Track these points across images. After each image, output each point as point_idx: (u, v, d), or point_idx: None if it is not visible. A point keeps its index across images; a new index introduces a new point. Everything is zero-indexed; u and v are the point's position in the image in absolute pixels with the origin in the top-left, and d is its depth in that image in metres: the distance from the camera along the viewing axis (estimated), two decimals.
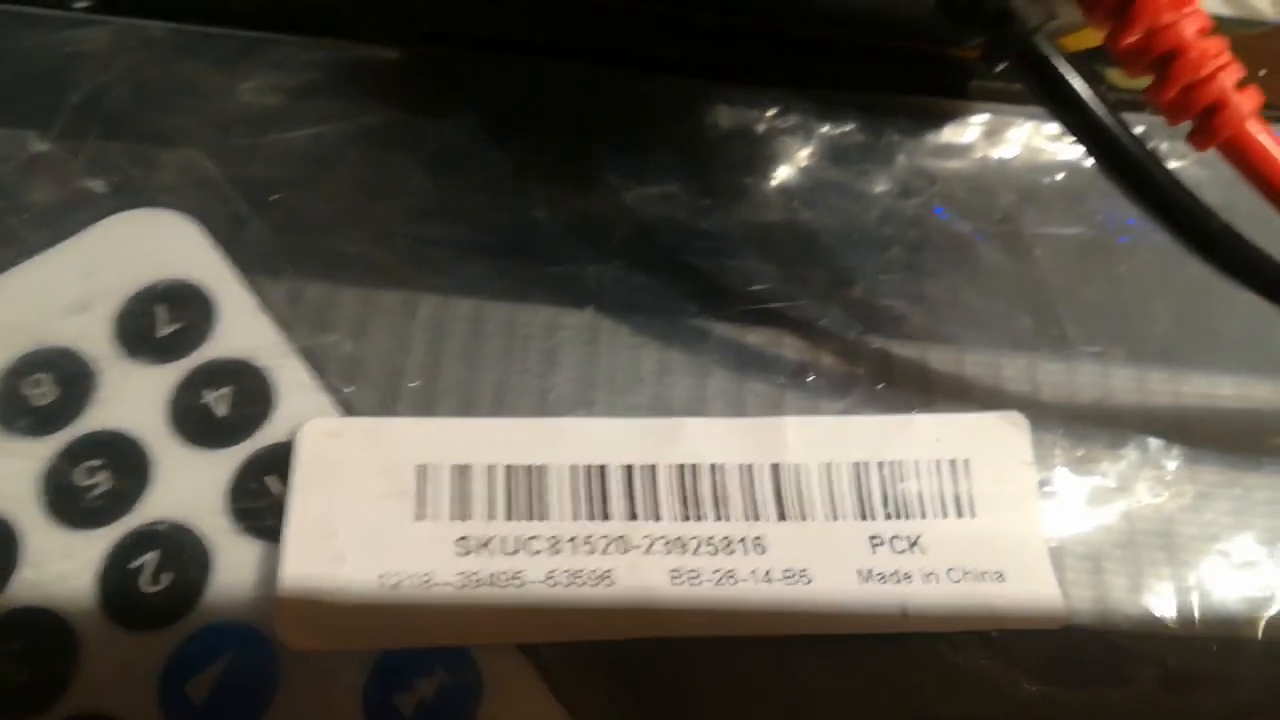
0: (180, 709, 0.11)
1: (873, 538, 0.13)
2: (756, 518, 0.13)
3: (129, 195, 0.15)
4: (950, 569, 0.13)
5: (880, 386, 0.15)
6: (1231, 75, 0.11)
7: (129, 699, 0.11)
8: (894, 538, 0.13)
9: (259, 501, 0.12)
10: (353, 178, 0.16)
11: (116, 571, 0.12)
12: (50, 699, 0.11)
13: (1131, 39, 0.11)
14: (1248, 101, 0.11)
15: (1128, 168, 0.11)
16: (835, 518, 0.13)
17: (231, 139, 0.16)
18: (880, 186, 0.17)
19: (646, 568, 0.13)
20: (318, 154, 0.16)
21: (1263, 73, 0.19)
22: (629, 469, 0.13)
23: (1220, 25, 0.20)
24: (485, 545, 0.12)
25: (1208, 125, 0.11)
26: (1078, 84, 0.11)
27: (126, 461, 0.13)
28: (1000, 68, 0.11)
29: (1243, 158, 0.11)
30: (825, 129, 0.17)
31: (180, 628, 0.12)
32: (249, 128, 0.16)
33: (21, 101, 0.16)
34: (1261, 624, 0.14)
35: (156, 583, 0.12)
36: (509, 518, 0.13)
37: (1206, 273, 0.16)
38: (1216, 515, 0.14)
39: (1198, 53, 0.11)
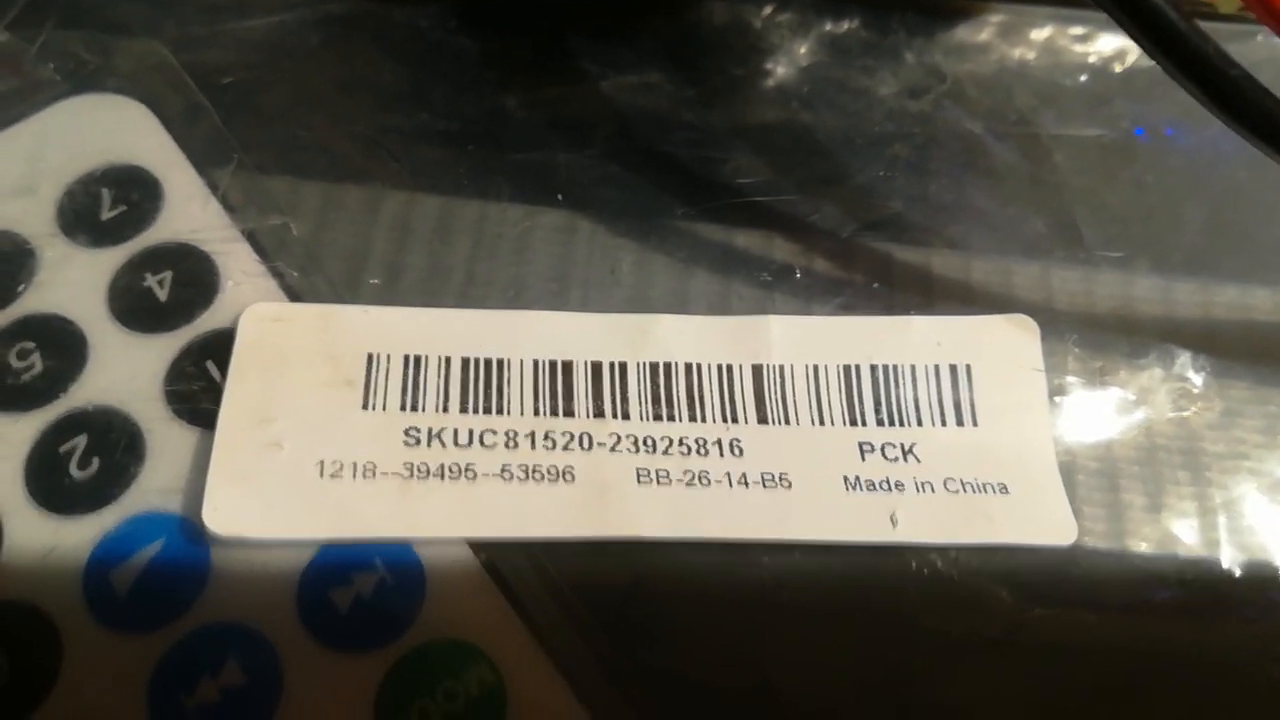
0: (104, 597, 0.11)
1: (862, 444, 0.13)
2: (734, 420, 0.13)
3: (82, 82, 0.15)
4: (948, 479, 0.13)
5: (875, 286, 0.14)
6: None
7: (51, 587, 0.11)
8: (885, 445, 0.13)
9: (196, 386, 0.12)
10: (314, 66, 0.16)
11: (45, 455, 0.12)
12: None
13: None
14: None
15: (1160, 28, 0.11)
16: (821, 423, 0.13)
17: (189, 27, 0.16)
18: (885, 86, 0.16)
19: (610, 466, 0.12)
20: (279, 41, 0.16)
21: None
22: (596, 365, 0.13)
23: None
24: (436, 436, 0.12)
25: None
26: None
27: (61, 344, 0.13)
28: None
29: None
30: (827, 25, 0.17)
31: (108, 514, 0.12)
32: (208, 15, 0.16)
33: None
34: None
35: (86, 467, 0.12)
36: (463, 410, 0.12)
37: (1241, 179, 0.15)
38: (1246, 433, 0.14)
39: None
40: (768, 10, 0.17)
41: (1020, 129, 0.16)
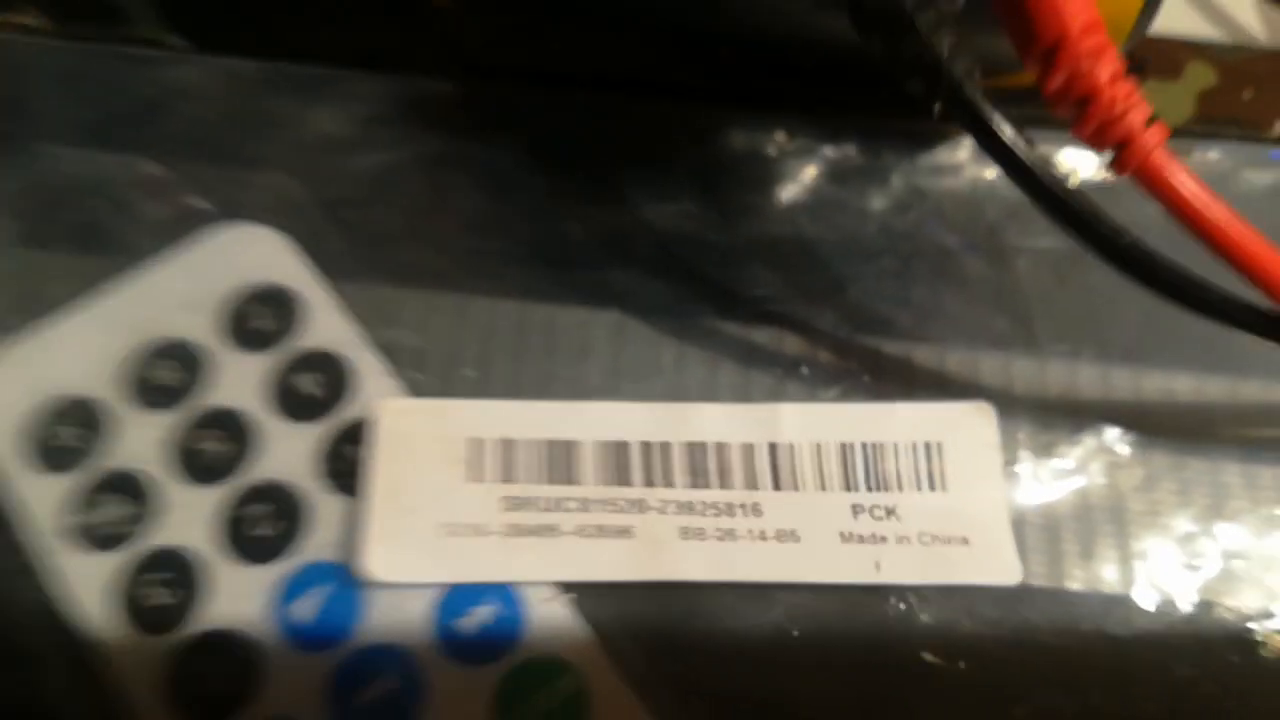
0: (291, 625, 0.16)
1: (854, 506, 0.17)
2: (755, 487, 0.17)
3: (226, 210, 0.20)
4: (921, 533, 0.17)
5: (867, 379, 0.19)
6: (1139, 114, 0.15)
7: (249, 618, 0.16)
8: (873, 507, 0.17)
9: (344, 465, 0.17)
10: (414, 197, 0.20)
11: (231, 519, 0.16)
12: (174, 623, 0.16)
13: (1056, 84, 0.15)
14: (1154, 137, 0.15)
15: (1046, 196, 0.15)
16: (823, 489, 0.17)
17: (310, 163, 0.20)
18: (877, 203, 0.21)
19: (660, 525, 0.17)
20: (384, 176, 0.20)
21: (1248, 95, 0.23)
22: (646, 445, 0.17)
23: (1211, 50, 0.24)
24: (527, 503, 0.17)
25: (1121, 157, 0.15)
26: (1001, 125, 0.15)
27: (237, 432, 0.17)
28: (937, 110, 0.15)
29: (1150, 184, 0.15)
30: (828, 151, 0.21)
31: (286, 564, 0.16)
32: (325, 153, 0.20)
33: (129, 131, 0.21)
34: (1197, 590, 0.17)
35: (266, 528, 0.16)
36: (547, 482, 0.17)
37: None
38: (1162, 494, 0.18)
39: (1109, 96, 0.15)
40: (780, 138, 0.21)
41: (989, 240, 0.20)
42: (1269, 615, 0.17)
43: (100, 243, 0.20)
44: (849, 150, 0.21)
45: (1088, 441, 0.19)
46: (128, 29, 0.22)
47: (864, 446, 0.18)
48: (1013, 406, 0.19)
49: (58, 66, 0.22)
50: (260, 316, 0.18)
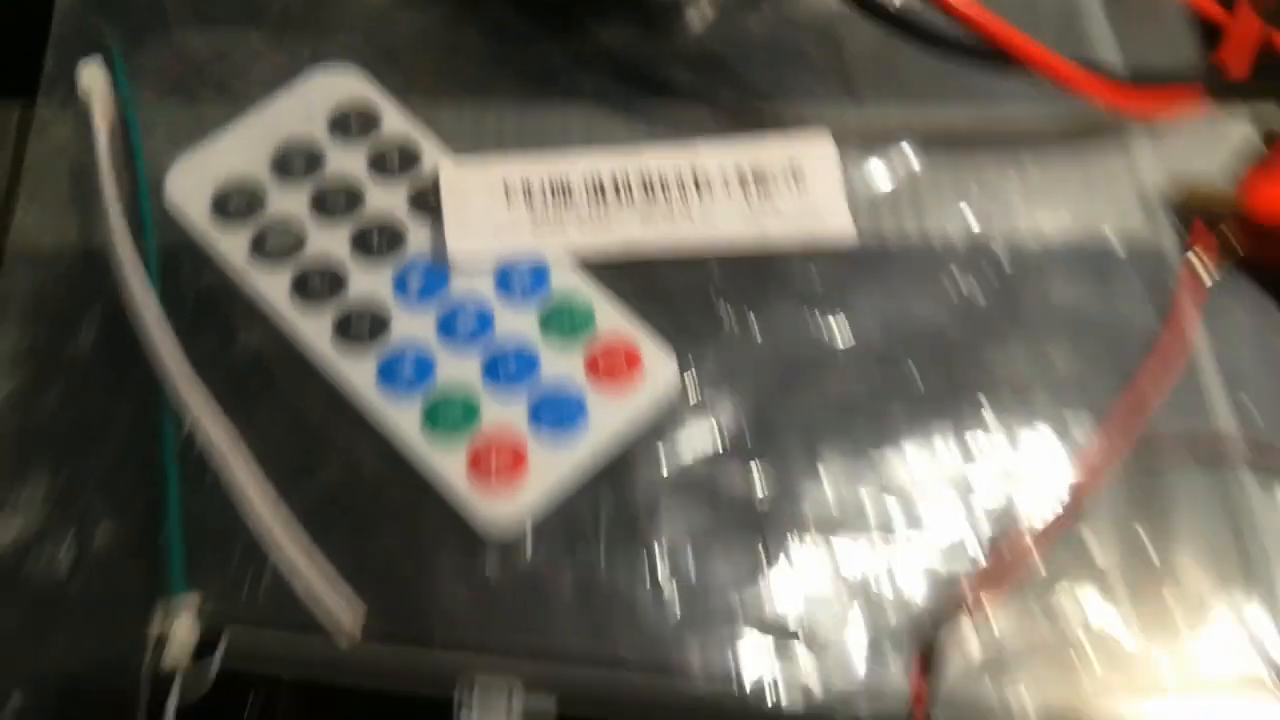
0: (403, 293, 0.25)
1: (746, 197, 0.27)
2: (684, 193, 0.27)
3: (314, 60, 0.29)
4: (792, 210, 0.27)
5: (752, 122, 0.28)
6: None
7: (380, 295, 0.25)
8: (759, 196, 0.27)
9: (425, 203, 0.26)
10: (440, 42, 0.29)
11: (356, 239, 0.26)
12: None
13: None
14: None
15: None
16: (729, 196, 0.27)
17: (366, 23, 0.29)
18: (754, 23, 0.30)
19: (624, 213, 0.26)
20: (419, 30, 0.29)
21: None
22: (613, 174, 0.27)
23: None
24: (542, 214, 0.26)
25: None
26: None
27: (352, 193, 0.27)
28: None
29: None
30: None
31: (398, 261, 0.26)
32: (375, 17, 0.29)
33: (235, 13, 0.30)
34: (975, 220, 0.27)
35: (381, 242, 0.26)
36: (552, 204, 0.26)
37: None
38: (944, 176, 0.28)
39: None
40: None
41: (825, 27, 0.30)
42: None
43: (229, 93, 0.29)
44: None
45: (894, 156, 0.29)
46: None
47: (751, 165, 0.28)
48: (843, 134, 0.29)
49: None
50: (352, 122, 0.28)
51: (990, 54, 0.28)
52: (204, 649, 0.20)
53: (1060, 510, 0.25)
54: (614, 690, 0.21)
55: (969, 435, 0.26)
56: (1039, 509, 0.25)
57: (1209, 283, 0.28)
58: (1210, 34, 0.31)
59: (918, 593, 0.24)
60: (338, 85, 0.29)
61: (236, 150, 0.28)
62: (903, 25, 0.28)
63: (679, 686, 0.22)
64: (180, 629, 0.19)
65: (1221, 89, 0.30)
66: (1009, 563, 0.25)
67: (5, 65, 0.29)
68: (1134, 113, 0.30)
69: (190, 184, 0.27)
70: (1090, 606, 0.24)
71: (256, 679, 0.18)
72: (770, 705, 0.22)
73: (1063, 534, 0.25)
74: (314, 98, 0.28)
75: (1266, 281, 0.28)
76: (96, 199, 0.26)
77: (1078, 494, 0.26)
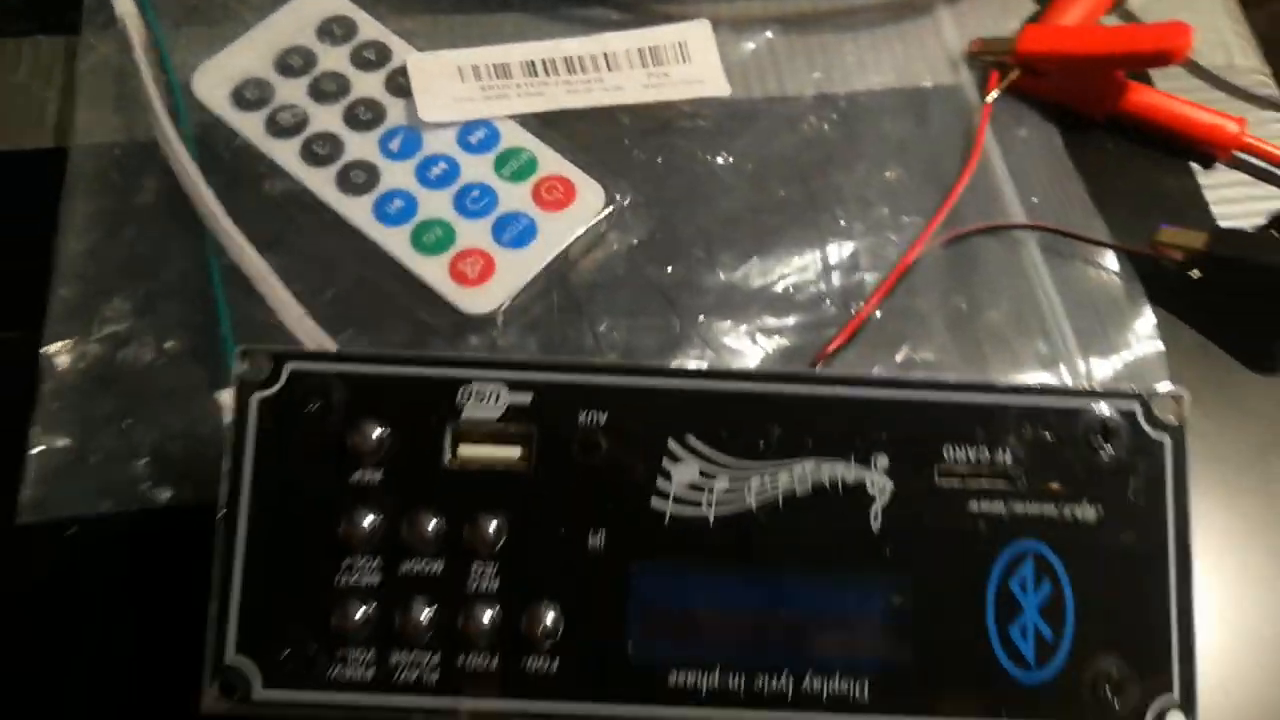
0: (388, 150, 0.32)
1: (648, 76, 0.35)
2: (598, 71, 0.34)
3: None
4: (678, 79, 0.35)
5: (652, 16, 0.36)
6: None
7: (368, 154, 0.32)
8: (657, 74, 0.35)
9: (399, 87, 0.34)
10: None
11: (346, 117, 0.33)
12: None
13: None
14: None
15: None
16: (632, 68, 0.35)
17: None
18: None
19: (556, 88, 0.34)
20: None
21: None
22: (547, 58, 0.34)
23: None
24: (493, 87, 0.34)
25: None
26: None
27: (341, 83, 0.34)
28: None
29: None
30: None
31: (382, 129, 0.33)
32: None
33: None
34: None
35: (367, 113, 0.33)
36: (499, 79, 0.34)
37: None
38: (779, 56, 0.36)
39: None
40: None
41: None
42: None
43: (233, 14, 0.36)
44: None
45: (758, 36, 0.37)
46: None
47: (649, 44, 0.35)
48: (718, 22, 0.37)
49: None
50: (336, 29, 0.35)
51: None
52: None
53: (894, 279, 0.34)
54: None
55: (827, 236, 0.35)
56: (880, 280, 0.34)
57: (997, 111, 0.37)
58: None
59: (781, 348, 0.33)
60: (321, 3, 0.37)
61: (246, 55, 0.35)
62: None
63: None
64: (248, 367, 0.26)
65: None
66: (856, 319, 0.33)
67: (51, 7, 0.36)
68: None
69: (213, 82, 0.35)
70: (915, 344, 0.33)
71: (314, 386, 0.26)
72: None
73: (896, 295, 0.34)
74: (304, 12, 0.36)
75: (1038, 106, 0.38)
76: (142, 97, 0.33)
77: (908, 267, 0.34)
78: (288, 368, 0.27)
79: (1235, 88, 0.40)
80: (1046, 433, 0.27)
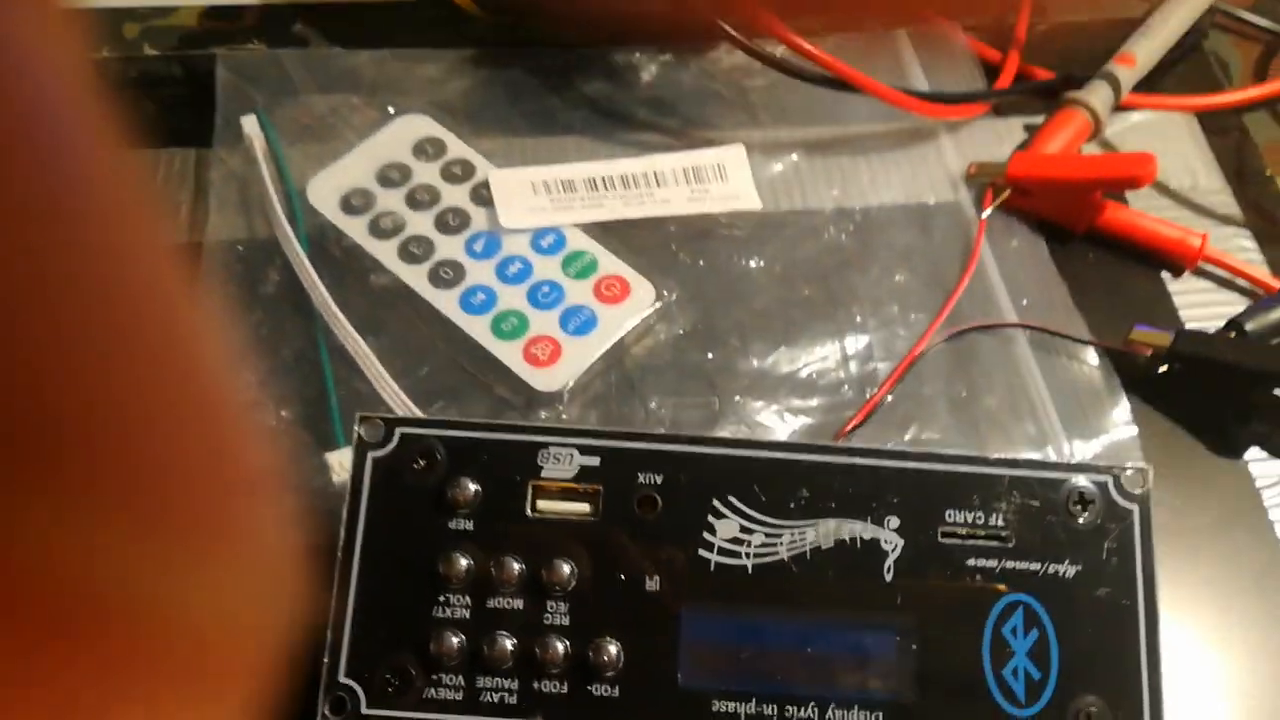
0: (472, 250, 0.38)
1: (691, 192, 0.40)
2: (649, 189, 0.40)
3: (398, 112, 0.42)
4: (716, 195, 0.40)
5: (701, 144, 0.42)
6: None
7: (458, 257, 0.38)
8: (699, 188, 0.40)
9: (482, 198, 0.39)
10: (482, 98, 0.43)
11: (440, 220, 0.39)
12: None
13: None
14: None
15: None
16: (677, 185, 0.40)
17: (429, 90, 0.43)
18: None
19: (613, 199, 0.39)
20: (465, 93, 0.43)
21: None
22: (602, 176, 0.40)
23: None
24: (561, 199, 0.39)
25: None
26: None
27: (432, 195, 0.41)
28: None
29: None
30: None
31: (468, 233, 0.38)
32: (432, 83, 0.43)
33: (342, 85, 0.43)
34: None
35: (456, 221, 0.38)
36: (564, 192, 0.39)
37: None
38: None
39: None
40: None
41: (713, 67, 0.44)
42: None
43: (340, 135, 0.42)
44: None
45: (784, 158, 0.42)
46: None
47: (691, 166, 0.41)
48: (750, 146, 0.42)
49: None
50: (428, 148, 0.41)
51: (844, 86, 0.42)
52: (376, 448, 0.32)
53: (904, 368, 0.39)
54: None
55: (845, 330, 0.40)
56: (891, 369, 0.39)
57: (992, 224, 0.42)
58: (989, 70, 0.46)
59: (806, 425, 0.38)
60: (415, 126, 0.43)
61: (353, 169, 0.42)
62: (785, 69, 0.42)
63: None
64: (367, 431, 0.31)
65: None
66: (871, 401, 0.38)
67: (185, 124, 0.43)
68: (939, 118, 0.45)
69: (324, 191, 0.41)
70: (922, 424, 0.38)
71: (420, 448, 0.30)
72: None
73: (905, 382, 0.38)
74: (401, 133, 0.43)
75: (1027, 220, 0.43)
76: (264, 202, 0.39)
77: (915, 358, 0.39)
78: (398, 432, 0.32)
79: (1200, 206, 0.46)
80: (1032, 500, 0.32)
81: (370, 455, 0.32)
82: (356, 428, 0.32)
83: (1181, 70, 0.50)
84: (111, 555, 0.10)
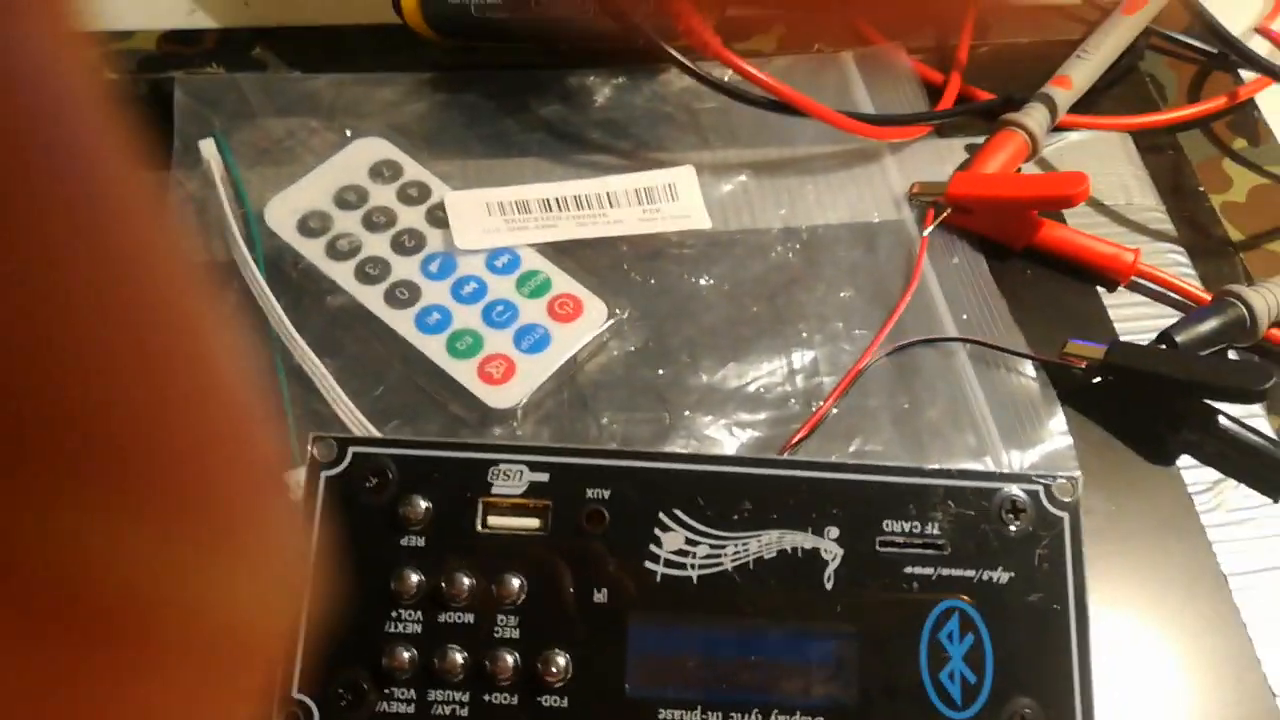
0: (428, 271, 0.38)
1: (644, 212, 0.41)
2: (602, 209, 0.41)
3: (356, 134, 0.43)
4: (666, 214, 0.41)
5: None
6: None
7: (413, 277, 0.38)
8: (651, 208, 0.41)
9: (437, 219, 0.40)
10: (438, 122, 0.43)
11: (395, 242, 0.39)
12: None
13: None
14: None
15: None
16: (629, 205, 0.41)
17: (387, 111, 0.43)
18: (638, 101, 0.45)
19: (568, 222, 0.40)
20: (426, 114, 0.43)
21: None
22: (560, 197, 0.41)
23: None
24: (515, 220, 0.40)
25: None
26: None
27: (388, 216, 0.41)
28: None
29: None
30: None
31: (422, 255, 0.39)
32: (391, 106, 0.43)
33: (303, 108, 0.43)
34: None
35: (412, 242, 0.39)
36: (518, 214, 0.40)
37: None
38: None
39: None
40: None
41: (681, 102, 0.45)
42: None
43: (298, 158, 0.42)
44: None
45: (733, 178, 0.43)
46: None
47: (642, 186, 0.42)
48: (700, 167, 0.43)
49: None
50: (384, 171, 0.42)
51: (791, 109, 0.44)
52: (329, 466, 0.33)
53: (848, 382, 0.40)
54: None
55: (792, 346, 0.41)
56: (836, 383, 0.40)
57: (933, 242, 0.44)
58: (932, 91, 0.48)
59: (754, 439, 0.39)
60: (372, 149, 0.44)
61: (310, 191, 0.42)
62: (732, 93, 0.43)
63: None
64: (320, 450, 0.32)
65: None
66: (816, 415, 0.39)
67: (142, 147, 0.43)
68: (883, 139, 0.46)
69: (282, 213, 0.42)
70: (866, 436, 0.39)
71: (372, 467, 0.31)
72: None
73: (850, 395, 0.39)
74: (358, 156, 0.43)
75: (967, 238, 0.44)
76: (222, 225, 0.40)
77: (859, 372, 0.40)
78: (351, 451, 0.32)
79: (1134, 223, 0.47)
80: (967, 509, 0.33)
81: (323, 474, 0.32)
82: (310, 447, 0.32)
83: (1118, 91, 0.52)
84: (142, 555, 0.10)
